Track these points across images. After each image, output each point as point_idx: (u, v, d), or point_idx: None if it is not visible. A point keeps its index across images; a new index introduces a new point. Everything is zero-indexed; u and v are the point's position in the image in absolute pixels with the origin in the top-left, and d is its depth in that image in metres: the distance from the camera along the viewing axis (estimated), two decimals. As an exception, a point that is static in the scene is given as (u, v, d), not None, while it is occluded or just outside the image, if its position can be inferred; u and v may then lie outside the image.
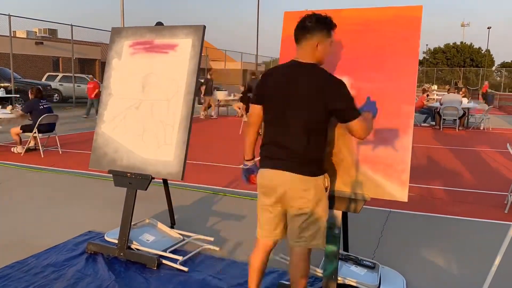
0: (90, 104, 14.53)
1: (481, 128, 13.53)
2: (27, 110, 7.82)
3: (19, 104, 9.02)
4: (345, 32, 2.97)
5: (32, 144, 8.00)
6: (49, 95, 18.18)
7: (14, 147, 8.02)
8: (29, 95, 7.98)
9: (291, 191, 2.38)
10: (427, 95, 15.65)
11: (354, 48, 2.94)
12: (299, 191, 2.37)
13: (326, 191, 2.46)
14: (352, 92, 2.88)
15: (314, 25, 2.37)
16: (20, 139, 7.87)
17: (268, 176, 2.44)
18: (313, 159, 2.39)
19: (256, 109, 2.53)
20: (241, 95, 13.92)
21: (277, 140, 2.42)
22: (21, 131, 7.76)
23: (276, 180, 2.40)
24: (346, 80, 2.91)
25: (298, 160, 2.36)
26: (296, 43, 2.45)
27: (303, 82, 2.34)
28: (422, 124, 14.01)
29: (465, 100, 14.00)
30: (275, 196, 2.43)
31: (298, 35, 2.42)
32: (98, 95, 14.09)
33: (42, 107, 7.82)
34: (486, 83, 14.78)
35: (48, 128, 7.87)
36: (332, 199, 2.84)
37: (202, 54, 3.60)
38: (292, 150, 2.36)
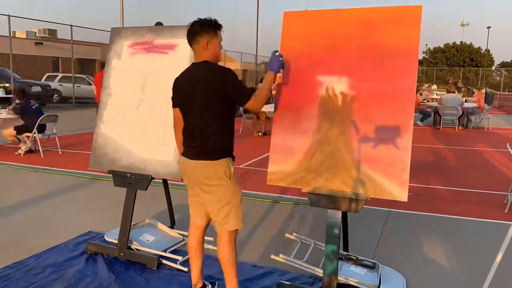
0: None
1: (475, 127, 13.53)
2: (19, 113, 7.79)
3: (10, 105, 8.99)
4: (345, 31, 2.97)
5: (29, 145, 7.94)
6: (48, 95, 18.19)
7: (17, 151, 7.93)
8: (15, 97, 7.97)
9: (198, 176, 2.62)
10: (420, 94, 15.64)
11: (353, 47, 2.94)
12: (203, 177, 2.61)
13: (229, 178, 2.61)
14: (352, 92, 2.88)
15: (200, 28, 2.61)
16: (19, 139, 7.84)
17: (181, 164, 2.74)
18: (215, 147, 2.59)
19: (175, 112, 2.77)
20: None
21: (189, 133, 2.66)
22: (15, 131, 7.73)
23: (187, 167, 2.68)
24: (345, 79, 2.91)
25: (202, 149, 2.59)
26: (191, 48, 2.70)
27: (199, 78, 2.58)
28: (420, 124, 14.01)
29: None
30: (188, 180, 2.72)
31: (189, 40, 2.68)
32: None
33: (34, 107, 7.81)
34: (478, 93, 14.65)
35: (40, 127, 7.84)
36: (332, 199, 2.84)
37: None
38: (198, 141, 2.60)
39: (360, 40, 2.93)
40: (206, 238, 3.83)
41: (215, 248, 3.67)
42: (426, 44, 62.19)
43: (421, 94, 15.74)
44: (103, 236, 3.84)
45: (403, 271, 3.37)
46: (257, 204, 5.01)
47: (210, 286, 2.96)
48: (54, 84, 20.45)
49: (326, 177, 2.88)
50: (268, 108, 10.42)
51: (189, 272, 3.26)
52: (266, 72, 2.81)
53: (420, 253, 3.77)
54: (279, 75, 2.86)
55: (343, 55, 2.95)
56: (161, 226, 4.01)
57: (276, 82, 2.91)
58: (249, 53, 37.14)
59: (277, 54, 2.83)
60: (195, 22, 2.64)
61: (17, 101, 8.12)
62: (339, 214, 2.86)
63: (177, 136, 2.83)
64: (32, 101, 7.92)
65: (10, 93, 15.12)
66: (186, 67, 3.48)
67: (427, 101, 15.97)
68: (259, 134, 10.88)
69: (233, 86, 2.56)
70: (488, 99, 13.57)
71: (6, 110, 8.30)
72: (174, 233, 3.91)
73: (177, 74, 3.52)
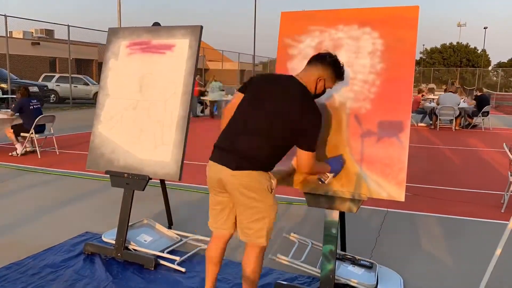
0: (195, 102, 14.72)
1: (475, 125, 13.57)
2: (16, 109, 7.72)
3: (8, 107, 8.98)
4: (342, 32, 2.98)
5: (28, 146, 7.92)
6: (45, 95, 18.14)
7: (11, 152, 7.89)
8: (17, 95, 7.89)
9: (237, 185, 2.41)
10: (422, 95, 15.65)
11: (350, 48, 2.94)
12: (242, 187, 2.40)
13: (270, 192, 2.46)
14: (349, 92, 2.89)
15: (330, 63, 2.53)
16: (17, 138, 7.78)
17: (210, 166, 2.52)
18: (254, 160, 2.41)
19: (237, 97, 2.61)
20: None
21: (234, 132, 2.47)
22: (12, 130, 7.70)
23: (219, 174, 2.46)
24: (342, 81, 2.92)
25: (240, 156, 2.40)
26: (307, 63, 2.59)
27: (289, 95, 2.44)
28: (419, 124, 14.04)
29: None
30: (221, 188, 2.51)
31: (313, 61, 2.56)
32: (196, 93, 14.70)
33: (32, 107, 7.74)
34: (468, 99, 14.58)
35: (38, 128, 7.81)
36: (330, 199, 2.85)
37: (199, 55, 3.60)
38: (239, 146, 2.41)
39: (356, 41, 2.93)
40: (203, 238, 3.84)
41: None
42: (423, 44, 62.45)
43: (422, 95, 15.75)
44: (101, 237, 3.83)
45: (400, 271, 3.38)
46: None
47: None
48: (51, 85, 20.40)
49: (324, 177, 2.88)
50: None
51: (187, 272, 3.27)
52: (327, 167, 2.70)
53: (417, 253, 3.78)
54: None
55: (340, 56, 2.95)
56: (158, 226, 4.01)
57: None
58: (247, 54, 37.19)
59: (341, 160, 2.78)
60: (332, 55, 2.56)
61: (16, 98, 8.07)
62: (336, 214, 2.86)
63: (225, 120, 2.64)
64: (33, 100, 7.87)
65: (6, 93, 15.08)
66: (184, 67, 3.50)
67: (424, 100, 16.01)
68: None
69: (309, 129, 2.41)
70: (483, 102, 13.47)
71: (6, 110, 8.28)
72: (172, 233, 3.91)
73: (174, 75, 3.54)
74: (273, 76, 2.57)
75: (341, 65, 2.57)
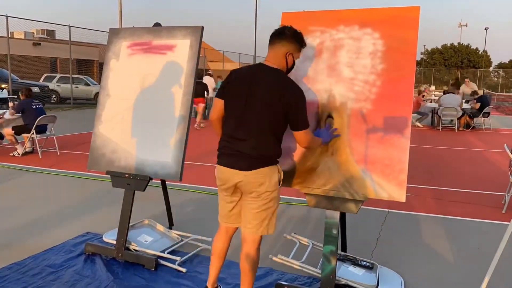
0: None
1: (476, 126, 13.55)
2: (18, 110, 7.75)
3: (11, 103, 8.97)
4: (342, 33, 2.98)
5: (28, 146, 7.94)
6: (46, 96, 18.16)
7: (11, 153, 7.90)
8: (20, 96, 7.92)
9: (244, 183, 2.52)
10: (423, 96, 15.63)
11: (351, 49, 2.94)
12: (256, 184, 2.51)
13: (279, 185, 2.60)
14: (349, 93, 2.89)
15: (291, 36, 2.56)
16: (16, 140, 7.80)
17: (223, 172, 2.60)
18: (263, 156, 2.51)
19: (219, 102, 2.66)
20: None
21: (233, 135, 2.55)
22: (13, 131, 7.70)
23: (233, 178, 2.56)
24: (343, 80, 2.92)
25: (249, 157, 2.50)
26: (268, 46, 2.62)
27: (266, 84, 2.49)
28: (418, 124, 14.02)
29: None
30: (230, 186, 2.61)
31: (273, 39, 2.59)
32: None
33: (34, 107, 7.77)
34: (473, 103, 14.54)
35: (40, 128, 7.82)
36: (330, 199, 2.85)
37: (200, 55, 3.60)
38: (244, 147, 2.50)
39: (357, 41, 2.93)
40: (204, 238, 3.84)
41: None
42: (424, 45, 62.44)
43: (423, 96, 15.73)
44: (101, 237, 3.83)
45: (401, 271, 3.37)
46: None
47: None
48: (52, 85, 20.42)
49: (324, 177, 2.89)
50: None
51: (187, 272, 3.27)
52: (319, 140, 2.76)
53: (418, 254, 3.77)
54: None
55: (341, 56, 2.95)
56: (159, 227, 4.01)
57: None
58: (248, 54, 37.19)
59: (330, 130, 2.85)
60: (288, 26, 2.60)
61: (18, 99, 8.10)
62: (337, 215, 2.86)
63: (218, 129, 2.72)
64: (35, 101, 7.90)
65: (8, 94, 15.09)
66: (184, 67, 3.50)
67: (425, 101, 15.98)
68: None
69: (296, 105, 2.48)
70: (485, 102, 13.47)
71: (9, 110, 8.28)
72: (173, 234, 3.91)
73: (175, 75, 3.54)
74: (244, 72, 2.60)
75: (299, 32, 2.61)
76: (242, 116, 2.51)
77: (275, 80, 2.50)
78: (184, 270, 3.29)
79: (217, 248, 2.76)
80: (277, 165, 2.59)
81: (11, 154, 7.81)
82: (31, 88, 8.24)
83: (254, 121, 2.49)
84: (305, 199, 2.94)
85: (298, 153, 2.98)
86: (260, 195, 2.52)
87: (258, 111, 2.48)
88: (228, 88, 2.61)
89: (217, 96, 2.67)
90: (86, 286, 3.05)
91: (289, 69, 2.65)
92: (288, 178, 2.97)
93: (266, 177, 2.51)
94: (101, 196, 5.32)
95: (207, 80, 14.89)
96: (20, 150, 7.78)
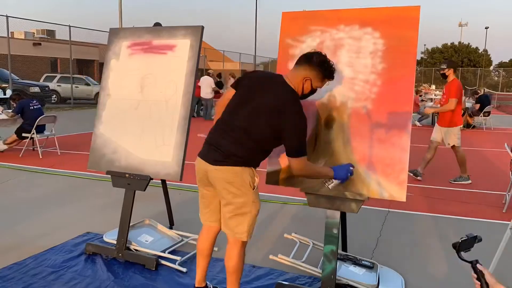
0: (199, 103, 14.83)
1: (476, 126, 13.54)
2: (18, 110, 7.78)
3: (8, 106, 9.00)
4: (343, 32, 2.98)
5: (12, 146, 7.91)
6: (47, 96, 18.15)
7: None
8: (15, 102, 8.00)
9: (221, 181, 2.48)
10: (420, 96, 15.61)
11: (351, 48, 2.94)
12: (224, 182, 2.47)
13: (252, 188, 2.51)
14: (350, 92, 2.89)
15: (317, 63, 2.51)
16: (20, 139, 7.79)
17: (197, 162, 2.62)
18: (237, 157, 2.46)
19: (229, 92, 2.66)
20: None
21: (219, 128, 2.55)
22: (17, 137, 7.71)
23: (205, 169, 2.54)
24: (344, 80, 2.92)
25: (223, 153, 2.47)
26: (295, 63, 2.59)
27: (272, 96, 2.46)
28: (417, 124, 14.01)
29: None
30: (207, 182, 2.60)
31: (301, 61, 2.56)
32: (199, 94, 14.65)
33: (32, 107, 7.79)
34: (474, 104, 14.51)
35: (39, 129, 7.81)
36: (331, 199, 2.85)
37: (200, 55, 3.60)
38: (224, 143, 2.48)
39: (358, 41, 2.93)
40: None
41: (215, 249, 3.68)
42: (425, 45, 62.38)
43: (420, 96, 15.72)
44: (102, 237, 3.83)
45: (401, 271, 3.37)
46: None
47: (211, 287, 2.95)
48: (52, 85, 20.42)
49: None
50: None
51: (188, 272, 3.27)
52: (330, 172, 2.66)
53: (418, 253, 3.77)
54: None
55: (341, 56, 2.95)
56: (160, 226, 4.01)
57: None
58: (248, 54, 37.19)
59: (348, 168, 2.69)
60: (318, 53, 2.54)
61: (14, 104, 8.12)
62: (337, 214, 2.86)
63: (218, 114, 2.68)
64: (33, 101, 7.90)
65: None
66: (185, 67, 3.50)
67: (425, 101, 15.97)
68: None
69: (291, 131, 2.41)
70: (486, 102, 13.44)
71: (6, 111, 8.29)
72: (173, 233, 3.91)
73: (176, 75, 3.54)
74: (265, 75, 2.61)
75: (330, 64, 2.55)
76: (235, 115, 2.51)
77: (282, 97, 2.45)
78: (184, 269, 3.29)
79: (201, 247, 2.77)
80: (252, 168, 2.51)
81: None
82: (30, 87, 8.27)
83: (244, 124, 2.46)
84: (305, 199, 2.93)
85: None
86: (232, 201, 2.48)
87: (251, 117, 2.45)
88: (242, 83, 2.61)
89: (232, 86, 2.67)
90: (86, 286, 3.05)
91: (305, 95, 2.59)
92: (288, 178, 2.97)
93: (236, 177, 2.44)
94: (102, 196, 5.32)
95: (206, 80, 14.77)
96: (1, 147, 7.80)
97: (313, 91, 2.60)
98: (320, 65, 2.52)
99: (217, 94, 15.00)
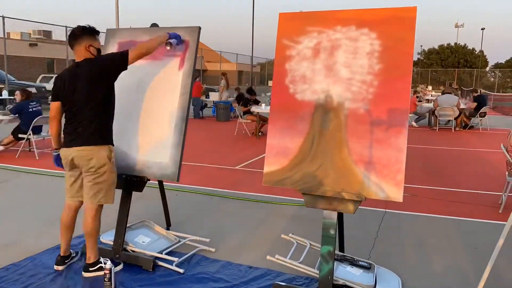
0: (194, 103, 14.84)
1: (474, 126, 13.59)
2: (15, 112, 7.67)
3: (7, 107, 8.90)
4: (340, 33, 2.98)
5: (7, 147, 7.87)
6: (43, 97, 18.09)
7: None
8: (17, 97, 7.79)
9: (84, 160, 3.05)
10: (417, 97, 15.64)
11: (348, 49, 2.95)
12: (84, 159, 3.05)
13: (110, 161, 3.11)
14: (347, 93, 2.89)
15: (82, 33, 3.06)
16: (17, 140, 7.75)
17: (64, 153, 3.14)
18: (96, 132, 3.05)
19: (55, 105, 3.14)
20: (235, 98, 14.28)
21: (71, 125, 3.07)
22: (13, 138, 7.66)
23: (69, 154, 3.09)
24: (341, 80, 2.92)
25: (82, 137, 3.04)
26: (72, 48, 3.09)
27: (80, 73, 3.00)
28: (414, 124, 14.05)
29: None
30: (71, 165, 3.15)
31: (71, 42, 3.08)
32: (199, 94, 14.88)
33: (31, 109, 7.66)
34: (469, 103, 14.47)
35: (35, 131, 7.75)
36: (328, 200, 2.85)
37: (197, 55, 3.60)
38: (81, 130, 3.04)
39: (354, 42, 2.94)
40: (201, 239, 3.84)
41: (212, 249, 3.68)
42: (421, 45, 62.57)
43: (417, 97, 15.75)
44: (99, 238, 3.82)
45: (398, 271, 3.38)
46: (252, 205, 5.01)
47: (75, 254, 3.43)
48: (49, 86, 20.32)
49: (321, 177, 2.89)
50: (262, 110, 10.45)
51: (185, 273, 3.26)
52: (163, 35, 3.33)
53: (415, 254, 3.78)
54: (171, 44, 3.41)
55: (338, 56, 2.96)
56: (156, 227, 4.00)
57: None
58: (245, 54, 37.20)
59: (182, 39, 3.49)
60: (76, 27, 3.07)
61: (15, 101, 8.01)
62: (334, 215, 2.86)
63: (54, 128, 3.17)
64: (32, 103, 7.81)
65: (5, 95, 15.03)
66: (182, 68, 3.50)
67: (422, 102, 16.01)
68: (260, 134, 10.79)
69: (107, 58, 3.07)
70: (483, 102, 13.49)
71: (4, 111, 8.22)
72: (170, 234, 3.90)
73: (173, 75, 3.54)
74: (67, 76, 3.06)
75: (87, 26, 3.08)
76: (73, 107, 3.07)
77: (84, 67, 3.03)
78: (181, 270, 3.29)
79: (63, 220, 3.29)
80: (108, 145, 3.10)
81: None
82: (26, 88, 8.09)
83: (79, 108, 3.04)
84: (302, 199, 2.94)
85: (295, 153, 2.98)
86: (92, 170, 3.04)
87: (81, 97, 3.02)
88: (59, 90, 3.15)
89: (53, 100, 3.17)
90: (83, 287, 3.04)
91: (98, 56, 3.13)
92: (285, 179, 2.98)
93: (92, 153, 3.02)
94: (99, 197, 5.30)
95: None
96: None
97: (100, 50, 3.13)
98: (84, 33, 3.06)
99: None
